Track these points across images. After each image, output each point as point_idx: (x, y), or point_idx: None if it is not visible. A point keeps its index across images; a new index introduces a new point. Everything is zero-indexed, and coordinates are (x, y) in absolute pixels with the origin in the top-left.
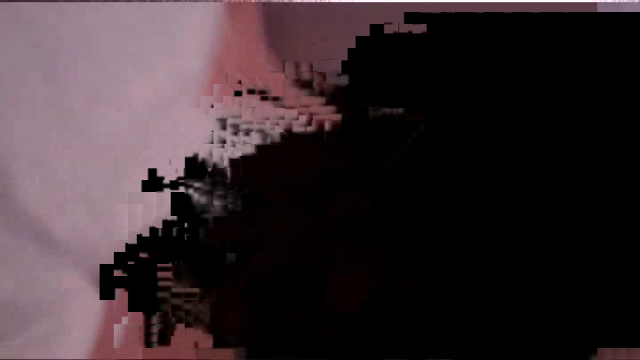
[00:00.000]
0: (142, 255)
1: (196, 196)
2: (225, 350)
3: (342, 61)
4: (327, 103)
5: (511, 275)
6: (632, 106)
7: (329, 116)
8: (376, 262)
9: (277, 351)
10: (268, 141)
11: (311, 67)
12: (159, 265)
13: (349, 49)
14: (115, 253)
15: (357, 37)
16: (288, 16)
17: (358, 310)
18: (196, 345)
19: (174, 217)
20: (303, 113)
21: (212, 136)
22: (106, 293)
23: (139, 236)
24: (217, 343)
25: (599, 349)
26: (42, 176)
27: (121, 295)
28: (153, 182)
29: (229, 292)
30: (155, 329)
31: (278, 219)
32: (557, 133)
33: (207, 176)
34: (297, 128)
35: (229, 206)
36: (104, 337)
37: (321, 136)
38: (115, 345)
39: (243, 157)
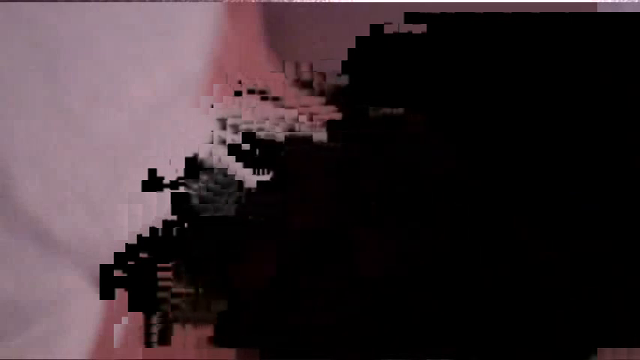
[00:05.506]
0: (142, 255)
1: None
2: (227, 350)
3: (342, 61)
4: (327, 103)
5: (511, 275)
6: (632, 105)
7: (329, 116)
8: (402, 230)
9: (288, 349)
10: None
11: (311, 67)
12: (159, 265)
13: (349, 49)
14: (115, 253)
15: (357, 37)
16: (288, 16)
17: (383, 274)
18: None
19: (174, 217)
20: (303, 113)
21: (212, 136)
22: (106, 293)
23: (139, 236)
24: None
25: (599, 349)
26: (42, 176)
27: (121, 295)
28: (153, 182)
29: (245, 291)
30: (155, 329)
31: (308, 187)
32: (557, 133)
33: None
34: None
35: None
36: (104, 337)
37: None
38: (115, 345)
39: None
